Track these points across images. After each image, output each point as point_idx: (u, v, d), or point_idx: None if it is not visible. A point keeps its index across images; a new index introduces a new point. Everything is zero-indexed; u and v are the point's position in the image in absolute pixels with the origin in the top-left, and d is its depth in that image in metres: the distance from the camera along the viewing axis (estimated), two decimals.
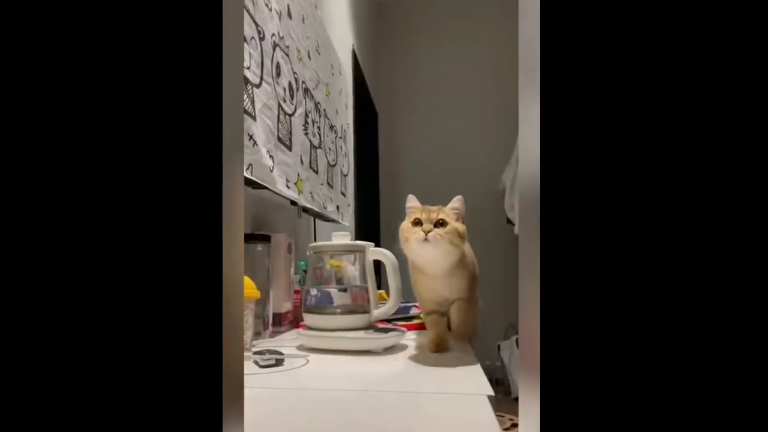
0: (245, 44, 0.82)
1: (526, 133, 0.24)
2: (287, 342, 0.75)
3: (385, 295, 0.80)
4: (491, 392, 0.45)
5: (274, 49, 0.99)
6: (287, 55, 1.08)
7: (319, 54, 1.43)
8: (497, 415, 0.39)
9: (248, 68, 0.83)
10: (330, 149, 1.55)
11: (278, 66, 1.01)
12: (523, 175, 0.24)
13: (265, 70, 0.92)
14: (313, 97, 1.33)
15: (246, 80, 0.82)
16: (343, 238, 0.77)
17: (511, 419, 1.69)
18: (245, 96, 0.82)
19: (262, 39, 0.91)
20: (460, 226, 0.64)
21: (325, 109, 1.49)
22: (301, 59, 1.21)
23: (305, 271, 0.97)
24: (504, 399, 2.14)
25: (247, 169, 0.81)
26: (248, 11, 0.85)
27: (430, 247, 0.61)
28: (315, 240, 1.57)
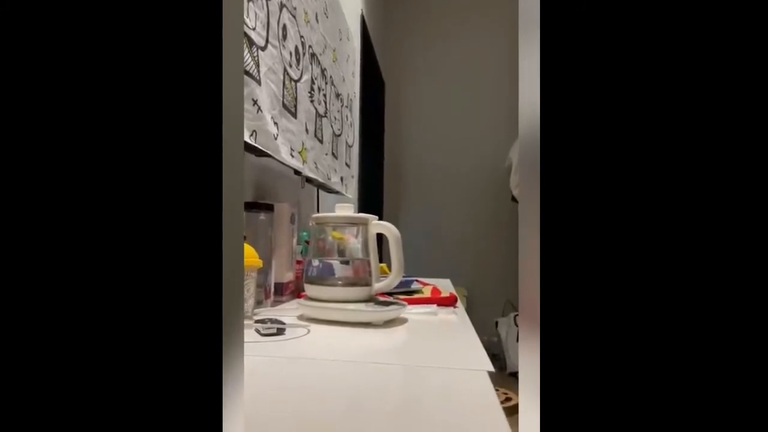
0: (251, 3, 0.79)
1: (526, 90, 0.22)
2: (288, 312, 0.75)
3: (387, 269, 0.80)
4: (491, 368, 0.45)
5: (280, 10, 0.94)
6: (294, 17, 1.04)
7: (327, 17, 1.38)
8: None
9: (253, 29, 0.80)
10: (336, 118, 1.52)
11: (285, 28, 0.97)
12: (523, 133, 0.23)
13: (270, 32, 0.89)
14: (319, 63, 1.29)
15: (251, 41, 0.79)
16: (346, 210, 0.76)
17: (506, 393, 1.73)
18: (250, 58, 0.79)
19: None
20: None
21: (331, 76, 1.44)
22: (308, 22, 1.16)
23: (308, 242, 0.96)
24: (499, 374, 2.19)
25: (251, 135, 0.79)
26: None
27: None
28: (318, 211, 1.56)
